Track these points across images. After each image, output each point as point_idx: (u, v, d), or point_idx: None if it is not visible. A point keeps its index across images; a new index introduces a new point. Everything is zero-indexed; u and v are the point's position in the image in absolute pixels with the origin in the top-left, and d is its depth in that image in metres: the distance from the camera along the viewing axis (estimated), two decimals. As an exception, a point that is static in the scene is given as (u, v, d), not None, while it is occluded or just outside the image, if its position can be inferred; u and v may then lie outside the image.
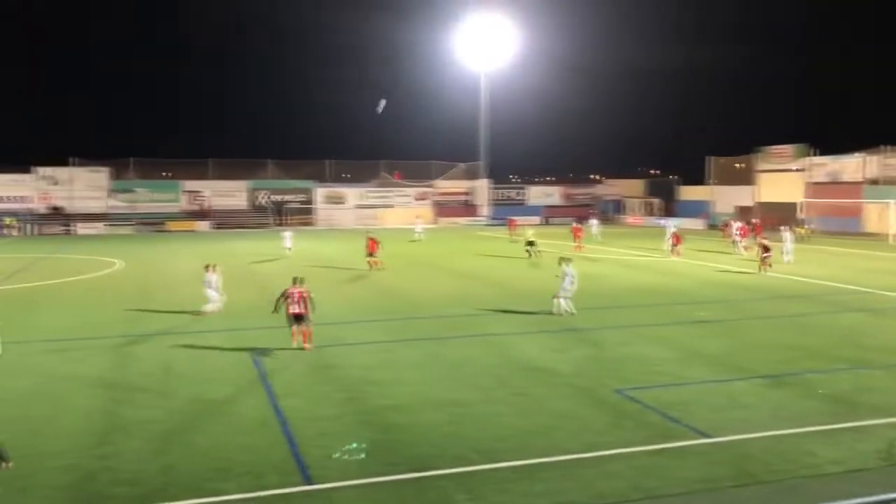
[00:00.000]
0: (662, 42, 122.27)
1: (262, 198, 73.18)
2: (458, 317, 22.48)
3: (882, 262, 38.22)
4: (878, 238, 52.23)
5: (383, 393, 14.25)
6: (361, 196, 76.02)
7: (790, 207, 59.09)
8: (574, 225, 46.06)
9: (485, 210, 77.75)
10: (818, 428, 12.22)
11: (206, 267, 23.19)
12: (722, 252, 41.20)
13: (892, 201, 51.79)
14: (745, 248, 40.34)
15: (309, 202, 74.14)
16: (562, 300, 22.11)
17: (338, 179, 77.11)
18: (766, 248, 32.09)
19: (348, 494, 9.71)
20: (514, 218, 57.68)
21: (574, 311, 22.00)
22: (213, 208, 71.48)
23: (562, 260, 22.71)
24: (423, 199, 77.86)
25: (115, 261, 39.39)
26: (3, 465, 8.28)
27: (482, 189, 78.68)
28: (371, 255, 33.67)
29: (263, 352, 17.66)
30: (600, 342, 18.69)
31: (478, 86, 77.34)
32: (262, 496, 9.61)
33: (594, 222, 54.14)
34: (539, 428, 12.20)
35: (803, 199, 58.70)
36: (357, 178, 77.25)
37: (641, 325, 21.01)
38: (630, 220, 75.39)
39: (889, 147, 54.90)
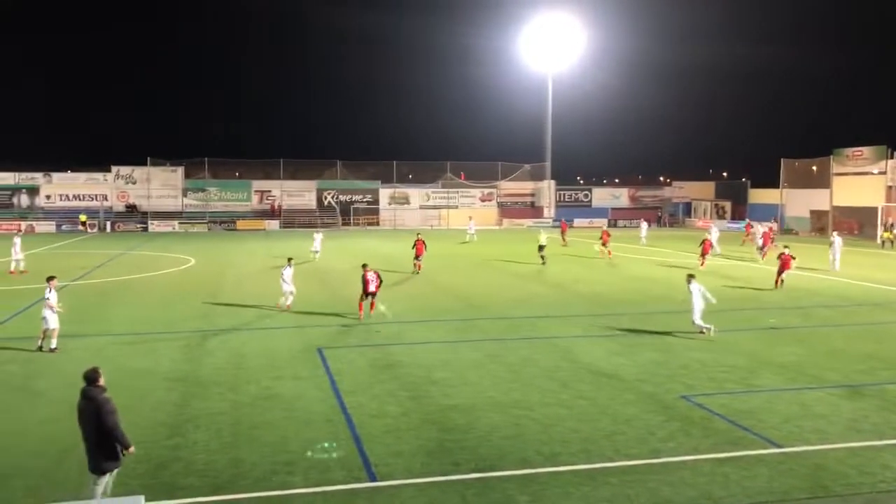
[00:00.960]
0: (734, 41, 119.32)
1: (330, 197, 74.31)
2: (519, 318, 22.38)
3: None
4: (963, 244, 49.86)
5: (446, 393, 14.31)
6: (426, 196, 76.43)
7: (869, 212, 56.90)
8: (604, 229, 44.93)
9: (550, 211, 77.22)
10: (897, 441, 11.77)
11: (289, 260, 24.37)
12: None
13: (979, 206, 49.38)
14: (764, 254, 39.09)
15: (374, 202, 74.95)
16: (696, 320, 19.52)
17: (403, 180, 77.73)
18: (785, 262, 28.27)
19: (411, 493, 9.78)
20: (567, 221, 57.09)
21: (707, 328, 19.47)
22: (283, 207, 72.92)
23: (689, 277, 20.14)
24: (487, 200, 77.83)
25: (189, 258, 40.54)
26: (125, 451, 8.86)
27: (547, 190, 78.19)
28: (418, 257, 33.25)
29: (329, 349, 17.96)
30: (666, 347, 18.37)
31: (544, 87, 76.94)
32: (329, 491, 9.77)
33: (644, 226, 53.30)
34: (602, 432, 12.07)
35: (883, 203, 56.41)
36: (422, 179, 77.68)
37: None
38: (699, 223, 73.85)
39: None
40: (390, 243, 51.93)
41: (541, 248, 37.73)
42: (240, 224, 69.29)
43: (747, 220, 58.31)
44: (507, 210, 77.42)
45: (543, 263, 36.59)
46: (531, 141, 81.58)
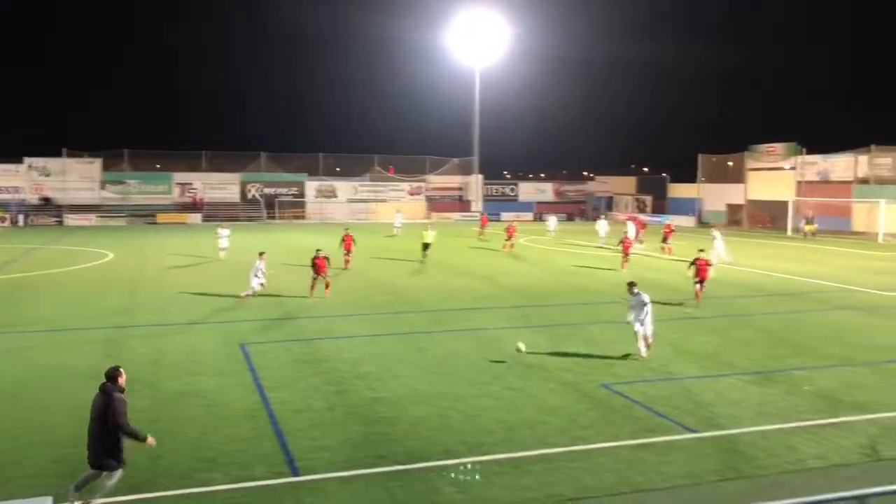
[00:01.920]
0: (654, 38, 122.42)
1: (254, 190, 73.03)
2: (446, 311, 22.54)
3: (870, 260, 38.49)
4: (867, 237, 52.56)
5: (372, 386, 14.31)
6: (354, 190, 75.92)
7: (781, 206, 59.36)
8: (510, 224, 43.57)
9: (478, 206, 77.78)
10: (803, 424, 12.36)
11: (261, 254, 24.90)
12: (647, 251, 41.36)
13: (881, 201, 52.10)
14: (641, 241, 42.24)
15: (301, 195, 74.02)
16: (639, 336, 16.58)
17: (330, 173, 76.98)
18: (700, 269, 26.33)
19: (335, 486, 9.77)
20: (486, 214, 57.74)
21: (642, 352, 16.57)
22: (205, 201, 71.29)
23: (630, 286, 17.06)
24: (416, 194, 77.86)
25: (108, 252, 39.28)
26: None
27: (475, 184, 78.72)
28: (348, 252, 32.32)
29: (253, 345, 17.72)
30: (588, 337, 18.79)
31: (472, 81, 77.35)
32: (250, 487, 9.66)
33: (553, 219, 54.61)
34: (527, 422, 12.28)
35: (794, 198, 58.93)
36: (350, 172, 77.08)
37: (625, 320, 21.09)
38: (621, 216, 75.56)
39: (878, 147, 55.17)
40: (317, 237, 51.40)
41: (425, 246, 35.58)
42: (160, 217, 67.40)
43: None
44: (436, 204, 77.60)
45: (423, 262, 34.58)
46: (459, 135, 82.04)
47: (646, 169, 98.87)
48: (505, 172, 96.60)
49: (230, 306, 22.87)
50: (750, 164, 65.11)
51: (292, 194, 73.70)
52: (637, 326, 16.43)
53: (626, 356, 16.55)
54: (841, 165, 58.06)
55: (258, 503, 9.28)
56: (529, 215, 74.24)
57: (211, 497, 9.41)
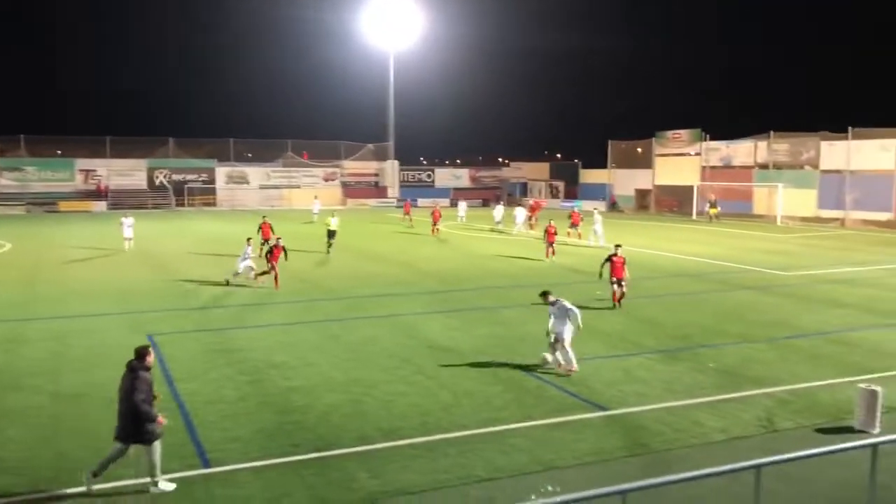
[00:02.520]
0: (566, 28, 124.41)
1: (162, 177, 70.69)
2: (362, 297, 22.43)
3: (769, 242, 40.34)
4: (766, 220, 55.03)
5: (286, 375, 14.11)
6: (266, 176, 74.46)
7: (687, 190, 61.45)
8: (434, 209, 44.55)
9: (393, 192, 77.55)
10: (706, 399, 12.87)
11: (248, 240, 25.42)
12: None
13: (779, 185, 54.60)
14: (532, 225, 44.66)
15: (211, 182, 72.09)
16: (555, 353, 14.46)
17: (241, 159, 75.22)
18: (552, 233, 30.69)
19: (248, 477, 9.60)
20: (409, 200, 57.82)
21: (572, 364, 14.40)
22: (110, 188, 68.59)
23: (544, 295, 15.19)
24: (331, 180, 76.98)
25: (5, 242, 37.35)
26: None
27: (391, 170, 78.42)
28: (266, 241, 30.82)
29: (161, 335, 17.20)
30: (502, 320, 19.04)
31: (386, 66, 76.88)
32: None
33: (462, 205, 55.44)
34: (441, 406, 12.36)
35: (699, 183, 61.10)
36: (262, 158, 75.45)
37: (541, 303, 21.46)
38: (531, 202, 76.72)
39: (776, 133, 57.75)
40: (228, 225, 50.29)
41: (331, 234, 33.72)
42: (63, 205, 64.48)
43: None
44: (351, 190, 76.97)
45: (329, 252, 32.89)
46: (375, 121, 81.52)
47: (559, 155, 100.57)
48: (421, 158, 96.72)
49: (136, 297, 22.13)
50: (657, 150, 67.11)
51: (202, 181, 71.70)
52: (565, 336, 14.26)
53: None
54: (742, 151, 60.49)
55: (168, 497, 9.03)
56: (446, 201, 74.54)
57: (121, 492, 9.10)
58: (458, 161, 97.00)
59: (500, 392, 13.13)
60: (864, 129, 51.38)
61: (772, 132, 57.94)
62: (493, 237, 42.44)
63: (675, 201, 64.45)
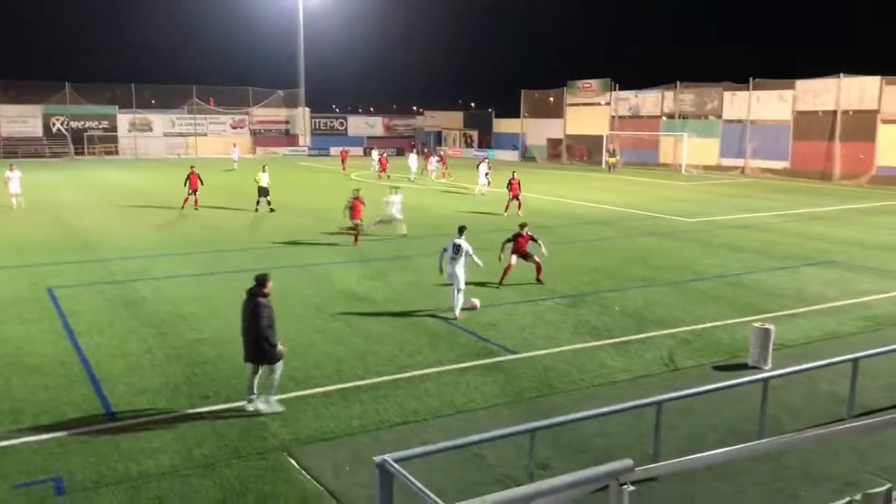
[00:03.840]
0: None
1: (59, 124, 67.13)
2: (277, 247, 22.09)
3: (673, 190, 41.68)
4: (671, 168, 56.75)
5: (195, 327, 13.82)
6: (171, 123, 71.73)
7: (597, 139, 62.58)
8: (343, 149, 45.97)
9: (305, 140, 76.07)
10: (612, 341, 13.33)
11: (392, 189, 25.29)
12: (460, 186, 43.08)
13: (684, 134, 56.24)
14: (442, 174, 45.41)
15: (112, 129, 68.93)
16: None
17: (144, 105, 72.07)
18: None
19: (157, 429, 9.41)
20: (348, 149, 57.22)
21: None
22: (3, 136, 64.73)
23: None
24: (239, 128, 74.81)
25: None
26: None
27: (302, 118, 76.72)
28: (194, 191, 30.15)
29: (62, 289, 16.52)
30: (416, 269, 19.11)
31: (296, 9, 74.51)
32: (61, 437, 9.10)
33: (375, 154, 55.36)
34: (355, 353, 12.38)
35: (608, 132, 62.28)
36: (166, 104, 72.51)
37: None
38: (450, 152, 76.77)
39: (682, 83, 59.23)
40: (131, 174, 48.40)
41: (262, 191, 29.94)
42: (-52, 154, 60.60)
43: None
44: (261, 138, 75.08)
45: (258, 210, 29.91)
46: (285, 67, 79.13)
47: (473, 104, 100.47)
48: (334, 106, 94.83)
49: (34, 250, 21.13)
50: (569, 99, 67.86)
51: (103, 128, 68.55)
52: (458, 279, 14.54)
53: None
54: (650, 101, 61.84)
55: (74, 453, 8.77)
56: (359, 150, 73.63)
57: (18, 450, 8.78)
58: (372, 109, 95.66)
59: (413, 338, 13.23)
60: (764, 80, 53.29)
61: (678, 83, 59.39)
62: (411, 187, 42.28)
63: (585, 151, 65.57)
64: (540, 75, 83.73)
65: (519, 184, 29.75)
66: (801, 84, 51.14)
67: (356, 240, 22.68)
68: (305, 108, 77.10)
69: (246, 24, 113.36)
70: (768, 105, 52.96)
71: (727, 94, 55.87)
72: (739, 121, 54.72)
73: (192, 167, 31.54)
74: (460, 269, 14.59)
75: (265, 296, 10.03)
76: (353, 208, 22.94)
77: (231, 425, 9.56)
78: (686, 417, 9.70)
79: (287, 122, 77.63)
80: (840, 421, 9.38)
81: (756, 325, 12.29)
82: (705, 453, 7.01)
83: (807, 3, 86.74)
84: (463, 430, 8.88)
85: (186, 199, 30.29)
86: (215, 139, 70.89)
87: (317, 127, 78.02)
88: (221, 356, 12.17)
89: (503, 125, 76.41)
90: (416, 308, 15.18)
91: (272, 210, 29.78)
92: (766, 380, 9.37)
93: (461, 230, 15.21)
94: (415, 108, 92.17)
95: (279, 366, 10.00)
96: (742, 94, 54.57)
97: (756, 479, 8.23)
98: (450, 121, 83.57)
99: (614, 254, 21.84)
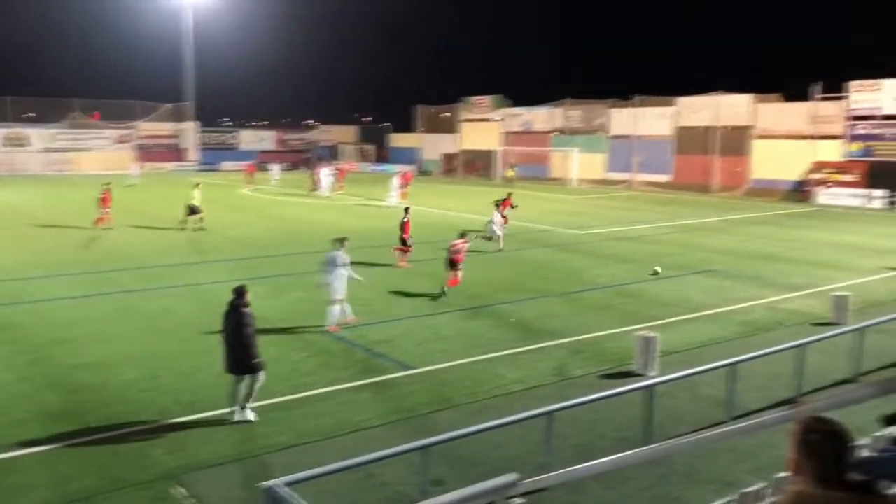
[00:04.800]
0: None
1: (-78, 139, 62.65)
2: (161, 267, 21.30)
3: (563, 203, 42.82)
4: (562, 182, 58.30)
5: (74, 352, 13.13)
6: (50, 138, 68.12)
7: (491, 155, 63.63)
8: (249, 163, 45.52)
9: (194, 154, 73.87)
10: (507, 352, 13.51)
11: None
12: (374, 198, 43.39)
13: (573, 149, 57.95)
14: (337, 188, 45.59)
15: (-16, 144, 64.86)
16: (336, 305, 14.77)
17: (20, 119, 68.19)
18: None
19: (32, 462, 8.86)
20: (253, 163, 56.32)
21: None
22: None
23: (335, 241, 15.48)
24: (125, 142, 71.87)
25: None
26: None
27: (190, 132, 74.49)
28: (105, 208, 28.50)
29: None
30: (309, 285, 18.79)
31: (184, 20, 72.38)
32: (-79, 477, 8.43)
33: (275, 167, 54.95)
34: (246, 374, 12.03)
35: (501, 147, 63.44)
36: (45, 118, 68.82)
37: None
38: (346, 166, 76.29)
39: (571, 100, 61.07)
40: (11, 191, 45.68)
41: (192, 209, 28.80)
42: None
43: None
44: (147, 153, 72.30)
45: (185, 227, 28.73)
46: (173, 80, 76.60)
47: (369, 119, 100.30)
48: (225, 120, 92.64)
49: None
50: (463, 115, 68.77)
51: (-28, 143, 64.34)
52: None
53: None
54: (541, 117, 63.45)
55: (-68, 494, 8.14)
56: (251, 165, 72.07)
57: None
58: (265, 123, 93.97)
59: (306, 357, 13.02)
60: (648, 97, 55.65)
61: (567, 100, 61.20)
62: (306, 202, 41.69)
63: (480, 165, 66.55)
64: (436, 91, 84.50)
65: (511, 205, 29.52)
66: (682, 101, 53.66)
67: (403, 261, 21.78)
68: (195, 122, 74.89)
69: (133, 36, 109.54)
70: (651, 121, 55.29)
71: (614, 111, 57.98)
72: (625, 136, 56.86)
73: (107, 185, 29.75)
74: (339, 281, 14.58)
75: (247, 305, 10.31)
76: (403, 226, 22.38)
77: (113, 454, 9.11)
78: (576, 426, 9.91)
79: (175, 137, 75.16)
80: (720, 424, 9.82)
81: (641, 333, 12.74)
82: (593, 462, 7.23)
83: (687, 26, 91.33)
84: (358, 449, 8.73)
85: (102, 219, 28.55)
86: (100, 154, 67.85)
87: (206, 141, 75.91)
88: (103, 383, 11.60)
89: (399, 140, 76.60)
90: (311, 325, 14.95)
91: (202, 228, 28.50)
92: (650, 386, 9.71)
93: (341, 241, 15.22)
94: (310, 122, 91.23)
95: (262, 375, 10.23)
96: (627, 111, 56.77)
97: (642, 485, 8.50)
98: (345, 135, 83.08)
99: (508, 266, 22.20)
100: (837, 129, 45.55)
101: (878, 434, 6.86)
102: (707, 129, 51.88)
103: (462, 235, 18.66)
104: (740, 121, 50.14)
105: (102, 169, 62.43)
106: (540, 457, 8.62)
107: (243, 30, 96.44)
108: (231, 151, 75.80)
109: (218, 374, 11.95)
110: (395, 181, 39.60)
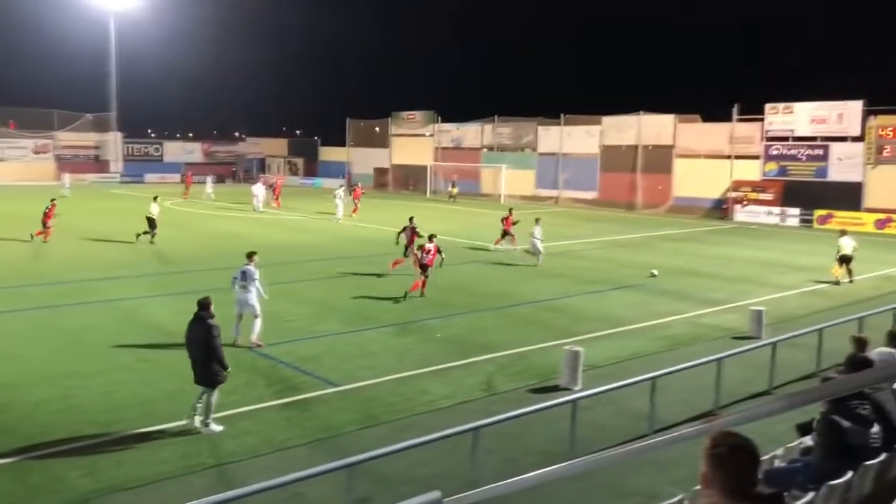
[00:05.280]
0: (311, 5, 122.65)
1: None
2: (78, 282, 20.55)
3: (493, 219, 43.06)
4: (492, 198, 58.85)
5: (-19, 371, 12.51)
6: (-38, 147, 65.15)
7: (422, 170, 63.80)
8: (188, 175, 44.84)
9: (117, 166, 71.75)
10: (435, 368, 13.50)
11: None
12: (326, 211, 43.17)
13: (503, 166, 58.62)
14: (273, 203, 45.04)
15: None
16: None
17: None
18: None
19: (-70, 490, 8.39)
20: (190, 172, 55.44)
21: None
22: None
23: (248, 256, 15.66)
24: (42, 153, 69.27)
25: None
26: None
27: (113, 143, 72.34)
28: (47, 221, 27.97)
29: None
30: (231, 301, 18.40)
31: (106, 27, 70.44)
32: None
33: (209, 179, 54.19)
34: (165, 394, 11.71)
35: (432, 163, 63.70)
36: (-45, 127, 65.81)
37: (279, 282, 21.12)
38: (274, 179, 75.29)
39: (500, 117, 61.85)
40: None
41: (150, 222, 28.38)
42: None
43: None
44: (67, 164, 69.82)
45: (138, 239, 28.22)
46: (95, 89, 74.27)
47: (298, 132, 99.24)
48: (149, 131, 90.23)
49: None
50: (394, 129, 68.81)
51: None
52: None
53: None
54: (471, 134, 63.98)
55: None
56: (176, 177, 70.42)
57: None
58: (191, 134, 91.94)
59: (231, 375, 12.68)
60: (575, 115, 56.77)
61: (496, 116, 61.94)
62: (235, 216, 40.88)
63: (411, 180, 66.64)
64: (366, 105, 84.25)
65: (513, 221, 29.74)
66: (607, 120, 54.90)
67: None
68: (117, 132, 72.79)
69: (52, 43, 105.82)
70: (578, 139, 56.39)
71: (541, 129, 58.91)
72: (553, 154, 57.83)
73: (52, 199, 29.69)
74: (253, 297, 14.60)
75: (212, 317, 10.46)
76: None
77: (21, 479, 8.70)
78: (502, 441, 9.95)
79: (97, 148, 72.87)
80: (642, 437, 10.00)
81: (567, 347, 12.91)
82: (519, 477, 7.26)
83: (614, 48, 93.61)
84: (282, 468, 8.58)
85: (48, 232, 28.00)
86: (17, 165, 65.22)
87: (130, 153, 73.82)
88: (12, 403, 11.12)
89: (329, 153, 76.06)
90: (235, 342, 14.62)
91: (152, 242, 28.01)
92: (575, 401, 9.84)
93: (250, 256, 15.19)
94: (237, 133, 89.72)
95: (217, 391, 10.29)
96: (555, 129, 57.75)
97: (567, 499, 8.57)
98: (274, 147, 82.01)
99: (438, 281, 22.17)
100: (755, 149, 47.34)
101: (790, 445, 7.11)
102: (631, 147, 53.22)
103: (431, 238, 20.33)
104: (663, 140, 51.57)
105: (19, 180, 60.13)
106: (467, 472, 8.62)
107: (170, 40, 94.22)
108: (156, 163, 73.95)
109: (135, 394, 11.63)
110: (340, 193, 39.74)
